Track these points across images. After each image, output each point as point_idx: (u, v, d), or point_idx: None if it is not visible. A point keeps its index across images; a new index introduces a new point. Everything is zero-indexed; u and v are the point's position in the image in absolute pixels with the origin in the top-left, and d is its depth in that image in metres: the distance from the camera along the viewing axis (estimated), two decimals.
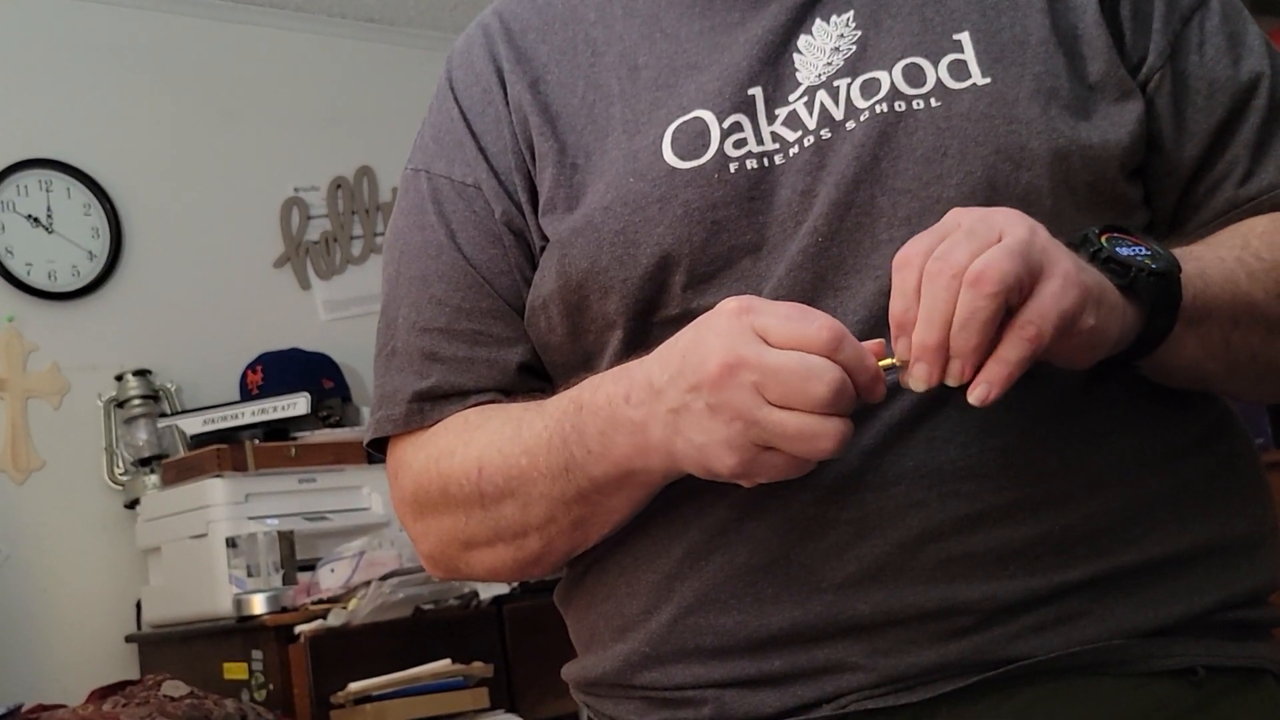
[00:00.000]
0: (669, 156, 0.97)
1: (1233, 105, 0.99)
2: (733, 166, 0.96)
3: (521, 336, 1.04)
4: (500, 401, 1.02)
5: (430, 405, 1.03)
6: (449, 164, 1.07)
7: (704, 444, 0.83)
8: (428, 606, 2.82)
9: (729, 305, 0.84)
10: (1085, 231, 0.87)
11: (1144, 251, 0.86)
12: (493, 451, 0.97)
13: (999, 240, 0.79)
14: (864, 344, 0.82)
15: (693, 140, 0.97)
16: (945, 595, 0.88)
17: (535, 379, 1.05)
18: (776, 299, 0.92)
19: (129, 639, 3.29)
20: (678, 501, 0.94)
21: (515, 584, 2.96)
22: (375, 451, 1.10)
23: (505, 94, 1.05)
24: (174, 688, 2.54)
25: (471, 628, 2.88)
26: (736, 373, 0.80)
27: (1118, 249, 0.85)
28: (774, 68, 0.98)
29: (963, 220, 0.82)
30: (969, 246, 0.79)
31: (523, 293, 1.04)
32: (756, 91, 0.98)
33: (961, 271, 0.78)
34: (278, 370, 3.43)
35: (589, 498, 0.93)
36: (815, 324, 0.80)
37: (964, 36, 0.96)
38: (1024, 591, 0.88)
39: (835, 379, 0.79)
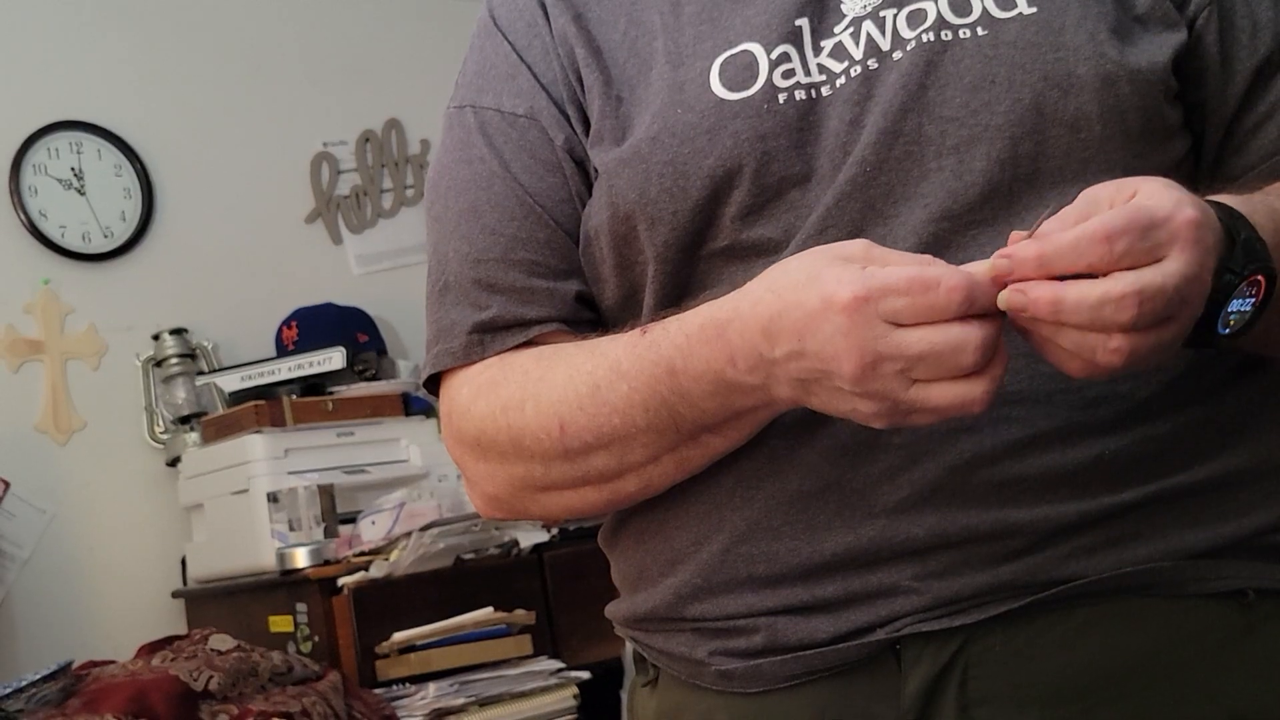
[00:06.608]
0: (717, 88, 0.97)
1: (1275, 46, 0.98)
2: (781, 97, 0.95)
3: (576, 269, 1.03)
4: (564, 332, 1.02)
5: (490, 336, 1.02)
6: (497, 96, 1.06)
7: (848, 411, 0.82)
8: (468, 556, 2.84)
9: (841, 297, 0.77)
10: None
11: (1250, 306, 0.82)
12: (573, 410, 0.95)
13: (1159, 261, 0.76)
14: (982, 267, 0.78)
15: (741, 72, 0.97)
16: (998, 518, 0.89)
17: (588, 310, 1.04)
18: (825, 229, 0.92)
19: (175, 594, 3.32)
20: None
21: (555, 531, 2.97)
22: (428, 391, 1.08)
23: (550, 27, 1.05)
24: (221, 641, 2.56)
25: (513, 576, 2.89)
26: (878, 366, 0.78)
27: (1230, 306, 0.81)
28: (819, 1, 0.98)
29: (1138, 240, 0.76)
30: (1134, 314, 0.75)
31: (581, 222, 1.03)
32: (803, 23, 0.97)
33: (1121, 330, 0.76)
34: (312, 325, 3.43)
35: (701, 439, 0.93)
36: (943, 290, 0.76)
37: None
38: (1076, 514, 0.89)
39: (982, 343, 0.76)
